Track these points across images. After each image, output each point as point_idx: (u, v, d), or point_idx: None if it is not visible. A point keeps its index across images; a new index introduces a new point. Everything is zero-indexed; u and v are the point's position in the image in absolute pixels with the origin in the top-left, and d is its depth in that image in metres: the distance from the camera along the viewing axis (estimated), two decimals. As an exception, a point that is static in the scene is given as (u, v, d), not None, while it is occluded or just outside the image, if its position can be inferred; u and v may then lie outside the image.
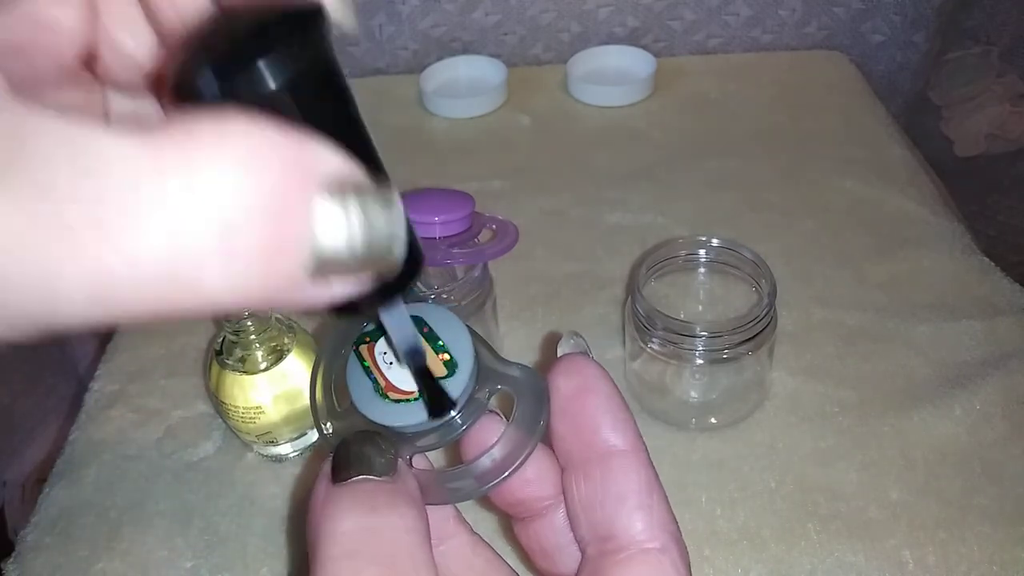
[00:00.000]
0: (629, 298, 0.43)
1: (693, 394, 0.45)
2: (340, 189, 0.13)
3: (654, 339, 0.41)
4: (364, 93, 0.81)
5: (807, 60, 0.75)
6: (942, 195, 0.60)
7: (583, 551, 0.20)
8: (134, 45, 0.18)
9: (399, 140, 0.69)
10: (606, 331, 0.49)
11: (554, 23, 0.75)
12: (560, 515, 0.21)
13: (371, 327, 0.22)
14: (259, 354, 0.40)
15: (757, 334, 0.40)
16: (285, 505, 0.41)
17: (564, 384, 0.21)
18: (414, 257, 0.17)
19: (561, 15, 0.75)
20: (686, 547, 0.19)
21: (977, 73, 0.79)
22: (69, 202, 0.12)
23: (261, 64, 0.14)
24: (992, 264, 0.52)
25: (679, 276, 0.46)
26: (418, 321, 0.22)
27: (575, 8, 0.74)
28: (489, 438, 0.21)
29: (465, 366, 0.21)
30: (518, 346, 0.49)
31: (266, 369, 0.40)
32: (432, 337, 0.21)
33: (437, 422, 0.21)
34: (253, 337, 0.39)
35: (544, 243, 0.56)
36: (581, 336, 0.22)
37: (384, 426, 0.21)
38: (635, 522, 0.19)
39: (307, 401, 0.24)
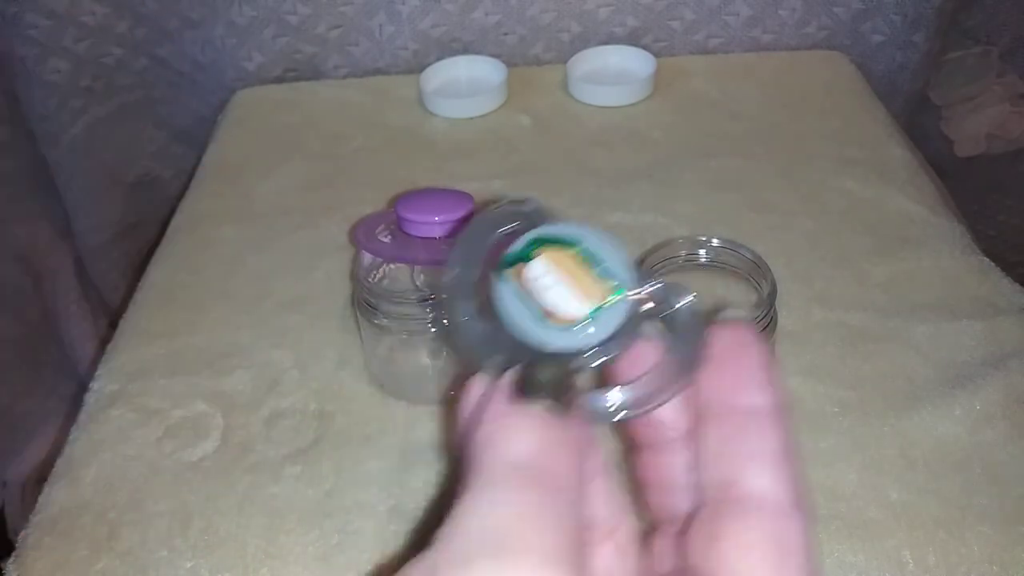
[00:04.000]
0: None
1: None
2: None
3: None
4: (364, 93, 0.81)
5: (807, 60, 0.75)
6: (942, 195, 0.60)
7: (702, 496, 0.20)
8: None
9: (399, 140, 0.69)
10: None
11: (554, 23, 0.75)
12: (685, 454, 0.21)
13: (518, 248, 0.21)
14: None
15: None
16: (286, 505, 0.41)
17: (722, 336, 0.21)
18: None
19: (561, 15, 0.75)
20: (814, 521, 0.19)
21: (977, 73, 0.79)
22: None
23: None
24: (992, 264, 0.52)
25: (679, 276, 0.46)
26: (575, 242, 0.21)
27: (575, 8, 0.74)
28: (641, 366, 0.21)
29: (626, 290, 0.20)
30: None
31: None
32: (594, 259, 0.21)
33: (597, 346, 0.20)
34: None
35: (544, 243, 0.56)
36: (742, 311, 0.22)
37: (538, 350, 0.20)
38: (765, 480, 0.19)
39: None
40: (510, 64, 0.74)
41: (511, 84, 0.72)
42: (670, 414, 0.21)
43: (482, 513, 0.16)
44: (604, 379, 0.21)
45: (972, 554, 0.37)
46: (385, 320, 0.43)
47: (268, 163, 0.67)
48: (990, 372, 0.44)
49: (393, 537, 0.39)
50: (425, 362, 0.47)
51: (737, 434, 0.20)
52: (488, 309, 0.21)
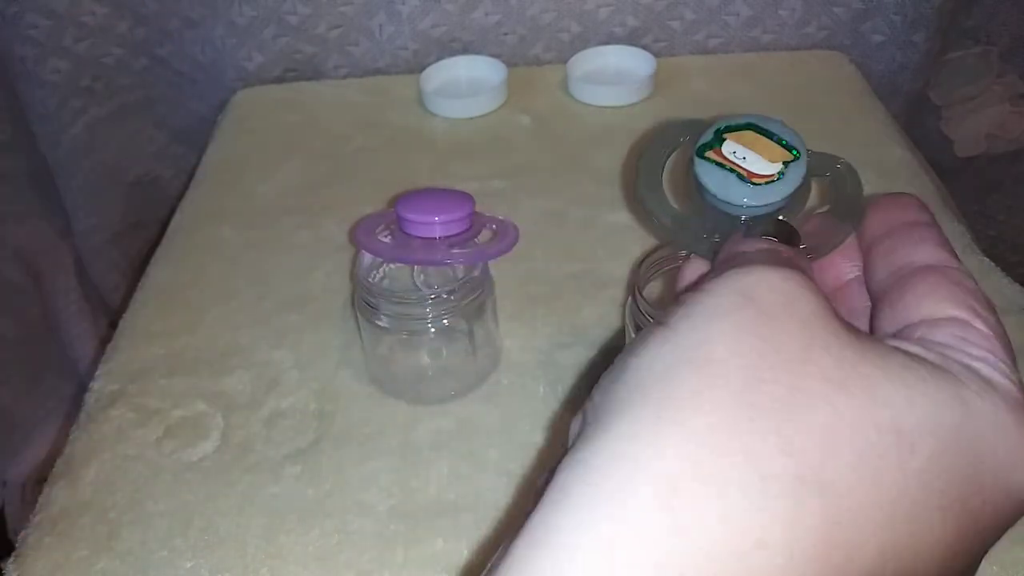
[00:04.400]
0: (629, 298, 0.43)
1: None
2: None
3: None
4: (364, 93, 0.81)
5: (807, 60, 0.75)
6: (942, 195, 0.60)
7: (881, 291, 0.23)
8: None
9: (399, 140, 0.69)
10: (606, 331, 0.49)
11: (554, 23, 0.75)
12: (863, 292, 0.25)
13: (708, 138, 0.27)
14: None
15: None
16: (285, 505, 0.41)
17: (887, 201, 0.25)
18: None
19: (561, 15, 0.75)
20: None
21: (977, 73, 0.79)
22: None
23: None
24: (992, 264, 0.52)
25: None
26: (752, 126, 0.28)
27: (575, 8, 0.74)
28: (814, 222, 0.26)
29: (802, 152, 0.27)
30: (518, 346, 0.49)
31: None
32: (768, 134, 0.27)
33: (791, 195, 0.26)
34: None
35: (544, 243, 0.56)
36: None
37: (740, 209, 0.26)
38: (934, 254, 0.23)
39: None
40: (510, 64, 0.74)
41: (511, 84, 0.72)
42: (845, 256, 0.25)
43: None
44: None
45: (972, 554, 0.37)
46: (385, 320, 0.43)
47: (268, 163, 0.67)
48: (990, 372, 0.44)
49: (393, 537, 0.39)
50: (425, 362, 0.47)
51: (909, 234, 0.23)
52: (690, 194, 0.28)
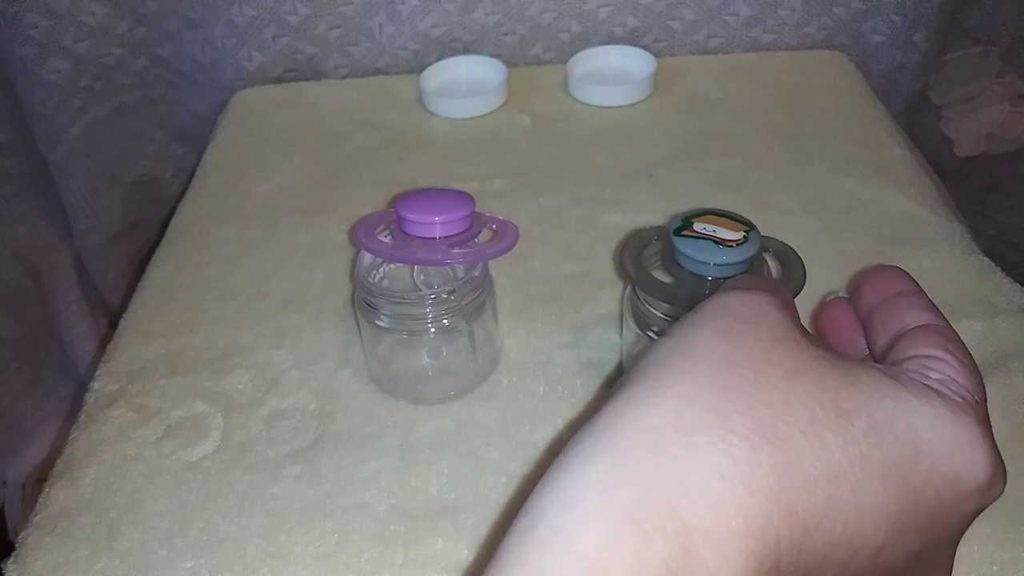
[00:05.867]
0: (628, 286, 0.43)
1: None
2: None
3: (653, 327, 0.41)
4: (364, 93, 0.81)
5: (807, 60, 0.75)
6: (942, 195, 0.60)
7: (879, 353, 0.27)
8: None
9: (399, 140, 0.69)
10: (606, 331, 0.49)
11: (554, 23, 0.75)
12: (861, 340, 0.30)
13: (679, 223, 0.37)
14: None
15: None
16: (285, 505, 0.41)
17: (871, 271, 0.30)
18: None
19: (561, 15, 0.75)
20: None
21: (977, 73, 0.79)
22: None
23: None
24: (992, 264, 0.52)
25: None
26: (712, 211, 0.37)
27: (575, 8, 0.74)
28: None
29: (755, 226, 0.37)
30: (518, 346, 0.49)
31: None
32: (727, 215, 0.37)
33: (752, 256, 0.36)
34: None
35: (544, 243, 0.56)
36: None
37: (719, 269, 0.36)
38: (925, 316, 0.27)
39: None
40: (510, 64, 0.74)
41: (511, 84, 0.72)
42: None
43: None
44: None
45: (972, 554, 0.37)
46: (385, 320, 0.43)
47: (268, 163, 0.67)
48: (990, 372, 0.44)
49: (393, 537, 0.39)
50: (425, 362, 0.47)
51: (899, 303, 0.27)
52: (667, 268, 0.38)
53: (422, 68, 0.74)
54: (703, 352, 0.21)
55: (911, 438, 0.21)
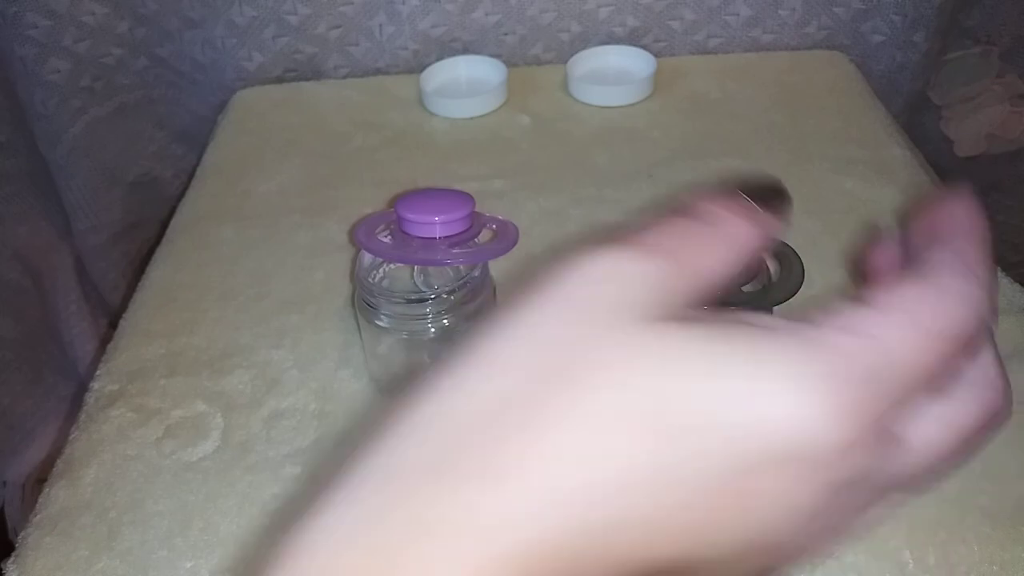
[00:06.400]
0: None
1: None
2: None
3: None
4: (364, 93, 0.81)
5: (807, 60, 0.75)
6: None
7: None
8: None
9: (399, 140, 0.69)
10: (606, 331, 0.49)
11: (554, 23, 0.75)
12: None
13: None
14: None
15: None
16: (286, 505, 0.41)
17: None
18: None
19: (561, 15, 0.75)
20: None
21: (977, 73, 0.79)
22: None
23: None
24: (992, 264, 0.52)
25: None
26: None
27: (575, 8, 0.74)
28: None
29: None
30: (518, 346, 0.49)
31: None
32: None
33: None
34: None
35: (544, 243, 0.56)
36: None
37: None
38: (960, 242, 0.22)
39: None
40: (510, 64, 0.74)
41: (511, 84, 0.72)
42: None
43: None
44: None
45: (972, 554, 0.37)
46: (385, 320, 0.43)
47: (268, 163, 0.67)
48: (990, 372, 0.44)
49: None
50: (425, 362, 0.47)
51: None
52: None
53: (422, 68, 0.74)
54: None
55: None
